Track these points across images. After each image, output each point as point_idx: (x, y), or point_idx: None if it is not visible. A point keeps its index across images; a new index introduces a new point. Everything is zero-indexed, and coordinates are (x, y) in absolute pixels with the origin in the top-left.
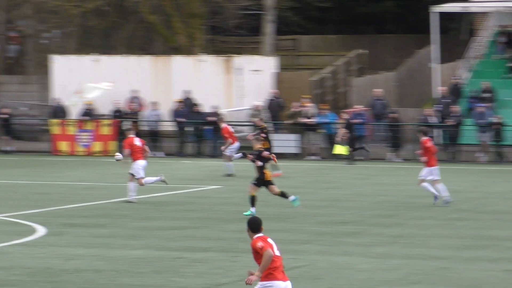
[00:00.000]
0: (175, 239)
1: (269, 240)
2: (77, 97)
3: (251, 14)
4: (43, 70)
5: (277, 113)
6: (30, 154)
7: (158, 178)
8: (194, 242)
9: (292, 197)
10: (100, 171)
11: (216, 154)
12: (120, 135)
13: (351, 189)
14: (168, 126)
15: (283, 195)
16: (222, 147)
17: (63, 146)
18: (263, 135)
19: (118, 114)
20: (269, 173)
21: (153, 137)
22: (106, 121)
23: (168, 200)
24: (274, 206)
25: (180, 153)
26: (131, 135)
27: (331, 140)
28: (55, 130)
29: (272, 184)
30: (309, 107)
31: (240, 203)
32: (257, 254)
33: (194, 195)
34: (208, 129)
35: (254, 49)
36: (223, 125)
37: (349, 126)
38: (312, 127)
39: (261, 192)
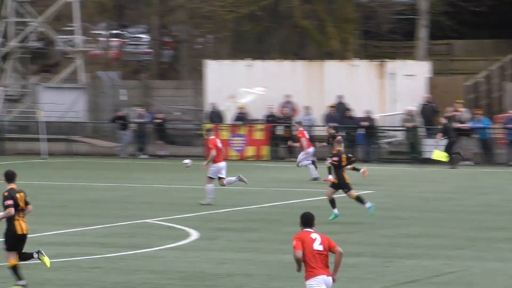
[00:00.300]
0: None
1: (313, 235)
2: (230, 102)
3: (405, 19)
4: (197, 75)
5: (430, 118)
6: (183, 158)
7: (236, 178)
8: (347, 247)
9: (368, 204)
10: (252, 175)
11: (369, 159)
12: (272, 140)
13: (506, 195)
14: (321, 130)
15: (359, 200)
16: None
17: None
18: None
19: (271, 119)
20: (347, 176)
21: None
22: (259, 126)
23: (320, 205)
24: (429, 212)
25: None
26: (213, 136)
27: (485, 145)
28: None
29: (351, 188)
30: (463, 112)
31: (393, 208)
32: None
33: (346, 199)
34: (360, 133)
35: (408, 54)
36: (300, 129)
37: (446, 131)
38: (465, 132)
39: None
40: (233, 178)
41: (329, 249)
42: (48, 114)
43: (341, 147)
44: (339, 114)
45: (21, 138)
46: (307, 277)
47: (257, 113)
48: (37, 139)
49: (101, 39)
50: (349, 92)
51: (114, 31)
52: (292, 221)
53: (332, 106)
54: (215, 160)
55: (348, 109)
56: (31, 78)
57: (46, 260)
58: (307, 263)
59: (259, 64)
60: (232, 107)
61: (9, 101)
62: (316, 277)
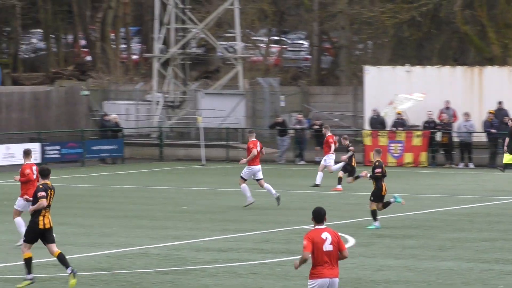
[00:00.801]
0: (485, 251)
1: (324, 234)
2: (389, 108)
3: None
4: (356, 81)
5: None
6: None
7: (274, 193)
8: (504, 254)
9: (376, 224)
10: (410, 182)
11: None
12: (431, 146)
13: None
14: (480, 137)
15: (374, 214)
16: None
17: None
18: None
19: (430, 125)
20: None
21: (464, 148)
22: (417, 132)
23: (478, 212)
24: None
25: (491, 165)
26: (254, 138)
27: None
28: (367, 141)
29: (380, 201)
30: None
31: None
32: None
33: (505, 206)
34: None
35: None
36: (328, 133)
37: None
38: None
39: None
40: (273, 192)
41: (339, 248)
42: (207, 121)
43: (380, 157)
44: (498, 120)
45: (181, 144)
46: (311, 277)
47: (416, 119)
48: (196, 145)
49: (261, 45)
50: (510, 98)
51: (274, 37)
52: (450, 228)
53: (491, 113)
54: (250, 163)
55: (507, 116)
56: (191, 84)
57: (73, 282)
58: (314, 264)
59: (418, 70)
60: (391, 113)
61: (169, 107)
62: (320, 280)
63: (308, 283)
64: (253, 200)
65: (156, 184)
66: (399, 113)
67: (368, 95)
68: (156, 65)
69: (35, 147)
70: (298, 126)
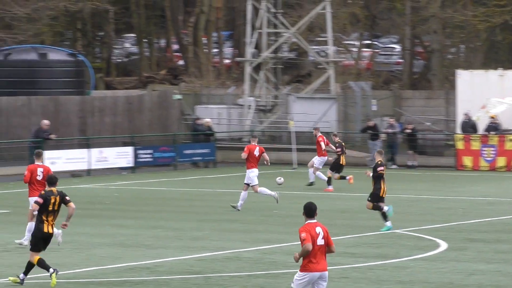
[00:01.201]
0: None
1: (317, 229)
2: (482, 112)
3: None
4: (448, 85)
5: None
6: (433, 169)
7: (273, 193)
8: None
9: (388, 223)
10: (503, 186)
11: None
12: None
13: None
14: None
15: (377, 208)
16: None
17: (467, 161)
18: (339, 150)
19: None
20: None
21: None
22: (510, 136)
23: None
24: None
25: None
26: (254, 143)
27: None
28: (460, 145)
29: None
30: None
31: None
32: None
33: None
34: None
35: None
36: (318, 134)
37: None
38: None
39: None
40: (272, 193)
41: (327, 243)
42: (299, 125)
43: (382, 158)
44: None
45: (272, 148)
46: (302, 270)
47: (509, 123)
48: (287, 149)
49: (352, 49)
50: None
51: (366, 41)
52: None
53: None
54: (251, 167)
55: None
56: (283, 88)
57: (54, 282)
58: (308, 257)
59: (511, 74)
60: (484, 117)
61: (260, 111)
62: (311, 273)
63: (298, 275)
64: (276, 194)
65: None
66: (493, 117)
67: (460, 99)
68: (248, 69)
69: (128, 151)
70: (390, 130)
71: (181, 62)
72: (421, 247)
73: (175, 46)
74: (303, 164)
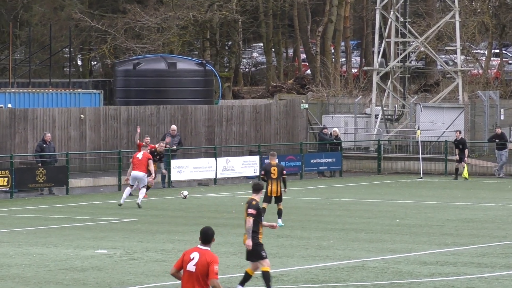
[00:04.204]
0: None
1: (193, 254)
2: None
3: None
4: None
5: None
6: None
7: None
8: None
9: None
10: None
11: None
12: None
13: None
14: None
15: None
16: None
17: None
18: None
19: None
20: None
21: None
22: None
23: None
24: None
25: None
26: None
27: None
28: None
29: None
30: None
31: None
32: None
33: None
34: None
35: None
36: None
37: None
38: None
39: None
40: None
41: (207, 274)
42: (426, 134)
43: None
44: None
45: (399, 158)
46: None
47: None
48: (414, 159)
49: (481, 58)
50: None
51: (495, 50)
52: None
53: None
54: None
55: None
56: (410, 97)
57: None
58: (182, 283)
59: None
60: None
61: (388, 121)
62: None
63: None
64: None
65: (374, 197)
66: None
67: None
68: (375, 79)
69: (255, 160)
70: None
71: (308, 72)
72: None
73: (303, 56)
74: (429, 173)
